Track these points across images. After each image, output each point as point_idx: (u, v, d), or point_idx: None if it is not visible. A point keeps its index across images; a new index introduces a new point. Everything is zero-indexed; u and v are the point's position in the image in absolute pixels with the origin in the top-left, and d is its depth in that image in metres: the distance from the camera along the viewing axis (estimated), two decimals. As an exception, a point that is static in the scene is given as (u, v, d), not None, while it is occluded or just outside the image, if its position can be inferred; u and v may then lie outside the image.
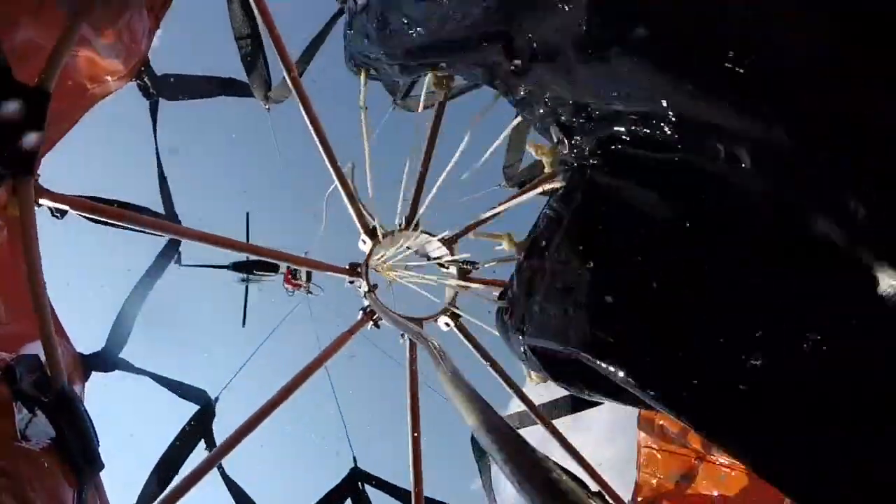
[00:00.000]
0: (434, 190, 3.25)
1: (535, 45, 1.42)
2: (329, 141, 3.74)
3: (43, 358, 2.15)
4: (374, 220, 3.77)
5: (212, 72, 4.21)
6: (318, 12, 4.26)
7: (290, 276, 14.82)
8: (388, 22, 1.65)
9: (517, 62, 1.56)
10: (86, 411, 2.12)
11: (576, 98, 1.39)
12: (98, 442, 2.15)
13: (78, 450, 2.04)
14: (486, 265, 3.65)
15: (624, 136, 1.35)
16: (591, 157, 1.52)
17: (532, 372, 1.67)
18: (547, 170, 1.87)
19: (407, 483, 4.32)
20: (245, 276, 14.65)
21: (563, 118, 1.60)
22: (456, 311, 3.96)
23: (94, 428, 2.15)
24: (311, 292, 14.76)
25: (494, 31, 1.52)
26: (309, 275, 14.66)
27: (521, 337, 1.65)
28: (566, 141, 1.64)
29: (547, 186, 1.85)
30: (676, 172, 1.18)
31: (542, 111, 1.67)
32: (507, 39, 1.52)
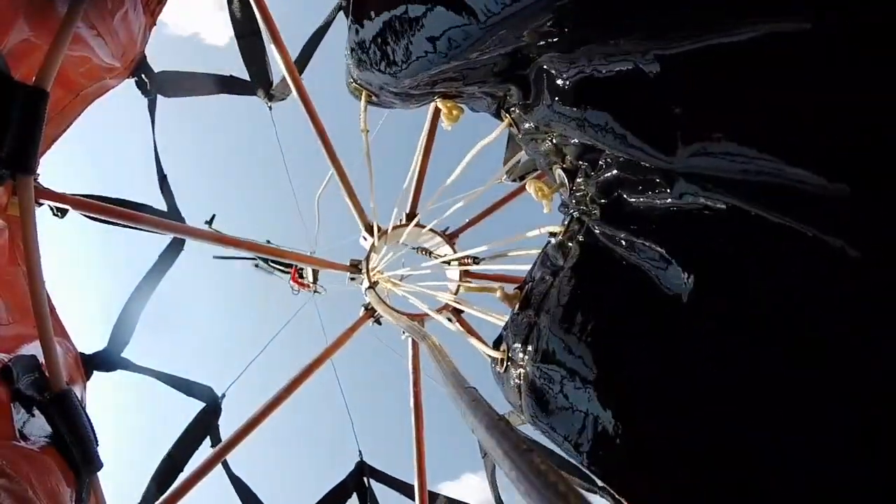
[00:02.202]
0: (438, 192, 3.24)
1: (548, 82, 1.37)
2: (330, 139, 3.74)
3: (41, 358, 2.15)
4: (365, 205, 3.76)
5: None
6: (318, 9, 4.25)
7: (296, 275, 14.93)
8: (392, 58, 1.58)
9: (527, 98, 1.52)
10: (84, 411, 2.13)
11: (582, 139, 1.36)
12: (97, 442, 2.16)
13: (76, 450, 2.04)
14: (488, 260, 3.64)
15: (627, 179, 1.30)
16: (591, 204, 1.47)
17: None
18: (546, 211, 1.84)
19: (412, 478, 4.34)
20: (257, 263, 14.73)
21: (567, 158, 1.55)
22: (458, 306, 3.95)
23: (92, 428, 2.15)
24: (317, 291, 14.86)
25: (508, 65, 1.47)
26: (315, 273, 14.74)
27: (518, 393, 1.60)
28: (568, 185, 1.59)
29: (545, 229, 1.81)
30: (677, 221, 1.14)
31: (545, 148, 1.63)
32: (520, 74, 1.48)
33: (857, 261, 0.77)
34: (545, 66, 1.34)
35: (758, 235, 0.93)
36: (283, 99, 4.24)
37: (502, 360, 1.72)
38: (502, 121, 1.78)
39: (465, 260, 3.81)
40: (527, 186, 1.86)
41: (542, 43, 1.26)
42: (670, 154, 0.99)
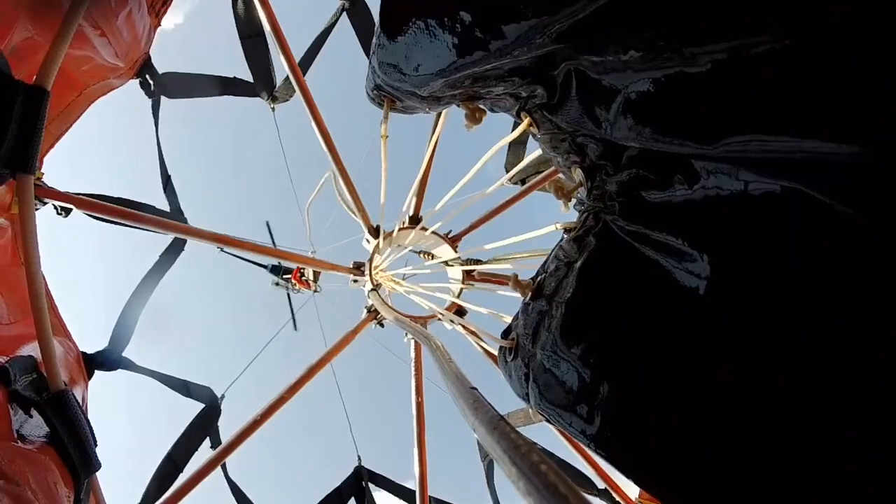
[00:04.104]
0: (448, 195, 3.23)
1: (578, 83, 1.36)
2: (333, 140, 3.74)
3: (39, 357, 2.14)
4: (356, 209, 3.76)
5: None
6: (321, 10, 4.27)
7: (298, 276, 15.11)
8: (424, 62, 1.58)
9: (552, 98, 1.51)
10: (83, 411, 2.12)
11: (613, 138, 1.36)
12: (96, 442, 2.14)
13: (74, 450, 2.03)
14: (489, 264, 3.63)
15: (647, 178, 1.31)
16: (609, 201, 1.48)
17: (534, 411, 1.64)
18: (563, 210, 1.83)
19: (411, 482, 4.32)
20: (278, 280, 15.04)
21: (588, 158, 1.55)
22: (460, 308, 3.94)
23: (91, 428, 2.14)
24: (317, 291, 14.99)
25: (538, 65, 1.45)
26: (316, 274, 14.84)
27: (525, 381, 1.61)
28: (586, 184, 1.60)
29: (560, 225, 1.81)
30: (695, 212, 1.15)
31: (565, 148, 1.62)
32: (548, 75, 1.47)
33: (875, 234, 0.78)
34: (577, 67, 1.33)
35: (775, 214, 0.95)
36: (286, 100, 4.25)
37: (511, 348, 1.72)
38: (521, 121, 1.78)
39: (467, 261, 3.81)
40: (547, 185, 1.87)
41: (575, 44, 1.26)
42: (710, 145, 1.01)
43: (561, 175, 1.86)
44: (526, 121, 1.73)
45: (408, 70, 1.65)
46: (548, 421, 1.50)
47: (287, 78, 4.08)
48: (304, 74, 3.92)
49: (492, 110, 1.92)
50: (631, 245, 1.37)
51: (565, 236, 1.70)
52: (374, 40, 1.74)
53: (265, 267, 15.40)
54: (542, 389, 1.49)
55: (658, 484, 1.10)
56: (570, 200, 1.80)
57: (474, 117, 1.89)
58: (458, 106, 1.91)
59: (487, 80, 1.59)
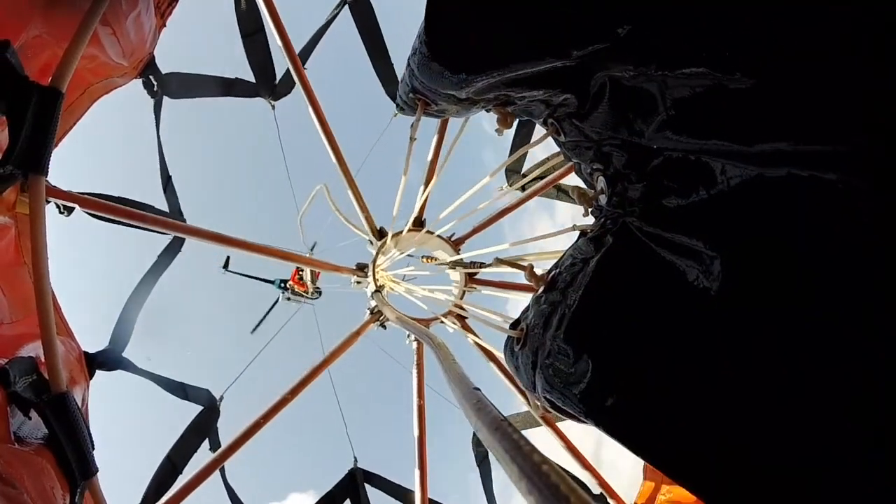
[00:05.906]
0: (457, 203, 3.25)
1: (613, 90, 1.37)
2: (336, 139, 3.75)
3: (41, 357, 2.13)
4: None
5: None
6: (322, 8, 4.27)
7: (296, 277, 15.17)
8: (468, 62, 1.61)
9: (583, 107, 1.52)
10: (81, 414, 2.11)
11: (643, 142, 1.36)
12: (93, 445, 2.13)
13: (72, 454, 2.02)
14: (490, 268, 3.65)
15: (670, 187, 1.32)
16: (630, 206, 1.49)
17: (538, 402, 1.64)
18: (583, 214, 1.86)
19: (407, 483, 4.32)
20: (288, 294, 15.19)
21: (613, 164, 1.56)
22: (462, 311, 3.95)
23: (89, 431, 2.12)
24: (316, 290, 15.05)
25: (573, 73, 1.46)
26: (314, 276, 14.86)
27: (532, 370, 1.62)
28: (607, 191, 1.61)
29: (578, 225, 1.84)
30: (713, 213, 1.17)
31: (592, 155, 1.63)
32: (581, 82, 1.48)
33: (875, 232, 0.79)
34: (612, 75, 1.34)
35: (787, 203, 0.96)
36: (286, 93, 4.23)
37: (519, 338, 1.74)
38: (546, 128, 1.80)
39: (470, 264, 3.82)
40: (570, 192, 1.89)
41: (614, 53, 1.28)
42: (748, 146, 1.03)
43: (573, 182, 1.88)
44: (550, 129, 1.76)
45: (450, 72, 1.66)
46: (552, 407, 1.50)
47: (287, 72, 4.08)
48: (303, 64, 3.91)
49: (519, 116, 1.94)
50: (648, 245, 1.38)
51: (580, 243, 1.72)
52: (415, 42, 1.75)
53: (272, 282, 15.57)
54: (549, 376, 1.50)
55: (659, 460, 1.11)
56: (590, 206, 1.82)
57: (505, 122, 1.91)
58: (489, 111, 1.93)
59: (524, 84, 1.61)
